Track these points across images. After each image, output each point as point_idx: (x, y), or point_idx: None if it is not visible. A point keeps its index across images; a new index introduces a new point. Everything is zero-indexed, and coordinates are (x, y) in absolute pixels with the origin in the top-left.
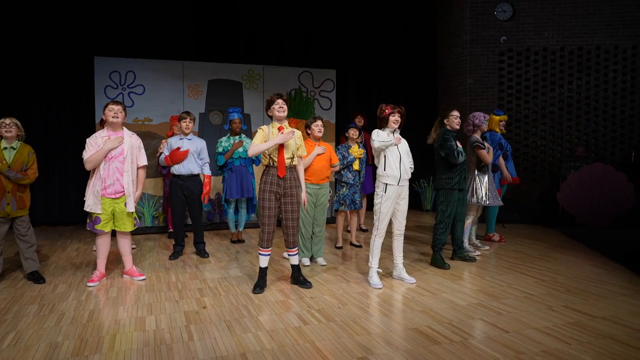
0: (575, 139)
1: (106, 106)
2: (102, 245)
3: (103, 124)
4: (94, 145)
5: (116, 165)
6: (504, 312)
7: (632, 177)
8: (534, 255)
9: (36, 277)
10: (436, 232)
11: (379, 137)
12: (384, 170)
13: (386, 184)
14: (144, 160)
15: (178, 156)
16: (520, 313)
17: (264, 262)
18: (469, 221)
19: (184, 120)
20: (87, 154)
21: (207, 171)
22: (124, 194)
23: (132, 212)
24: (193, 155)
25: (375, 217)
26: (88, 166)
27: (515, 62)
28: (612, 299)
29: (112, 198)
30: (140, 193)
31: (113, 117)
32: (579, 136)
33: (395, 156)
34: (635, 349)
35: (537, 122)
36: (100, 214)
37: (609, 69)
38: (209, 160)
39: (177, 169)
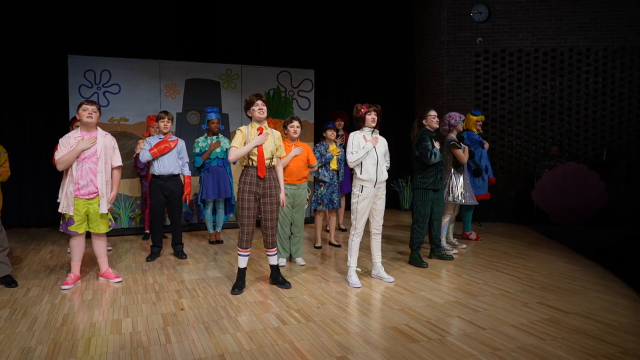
0: (550, 138)
1: (80, 106)
2: (77, 247)
3: (74, 123)
4: (67, 146)
5: (89, 165)
6: (480, 309)
7: (604, 176)
8: (510, 253)
9: (8, 281)
10: (413, 231)
11: (352, 147)
12: (361, 174)
13: (362, 185)
14: (118, 161)
15: (165, 146)
16: (497, 310)
17: (242, 262)
18: (446, 220)
19: (162, 120)
20: (59, 155)
21: (187, 171)
22: (98, 195)
23: (107, 214)
24: (174, 155)
25: (352, 217)
26: (60, 167)
27: (491, 63)
28: (585, 295)
29: (86, 199)
30: (116, 194)
31: (87, 117)
32: (553, 136)
33: (372, 160)
34: (607, 343)
35: (512, 122)
36: (73, 215)
37: (582, 70)
38: (188, 160)
39: (157, 169)
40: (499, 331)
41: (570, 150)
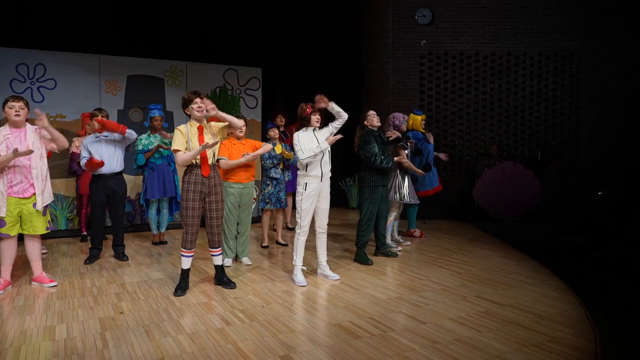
0: (490, 138)
1: (5, 103)
2: (7, 251)
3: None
4: None
5: (23, 163)
6: (422, 304)
7: (539, 175)
8: (452, 249)
9: None
10: (359, 229)
11: (301, 144)
12: (306, 171)
13: (306, 182)
14: (62, 142)
15: (94, 166)
16: (437, 304)
17: (186, 263)
18: (391, 218)
19: (96, 118)
20: None
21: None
22: (35, 194)
23: (46, 214)
24: (114, 152)
25: (297, 215)
26: None
27: (435, 65)
28: (520, 287)
29: (20, 197)
30: (55, 133)
31: (15, 115)
32: (492, 136)
33: (319, 157)
34: (538, 333)
35: (455, 122)
36: (4, 216)
37: (519, 73)
38: (135, 135)
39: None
40: (438, 325)
41: (508, 150)
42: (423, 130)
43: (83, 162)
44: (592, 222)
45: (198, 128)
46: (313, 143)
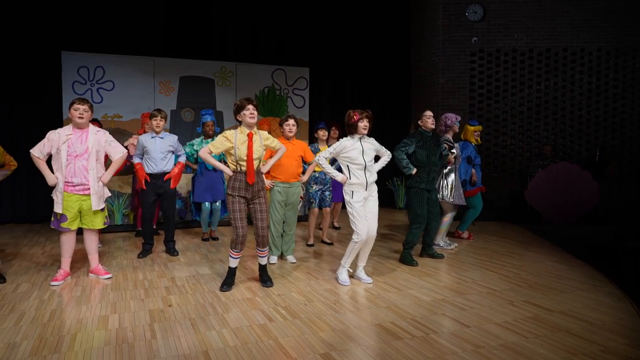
0: (543, 138)
1: (71, 105)
2: (67, 244)
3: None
4: (51, 142)
5: (82, 163)
6: (466, 307)
7: (597, 176)
8: (500, 251)
9: None
10: (410, 231)
11: (333, 149)
12: (349, 179)
13: (352, 191)
14: (119, 152)
15: (139, 176)
16: (482, 308)
17: (233, 263)
18: (446, 219)
19: (154, 119)
20: (37, 150)
21: (182, 159)
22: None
23: (104, 210)
24: (165, 154)
25: (351, 223)
26: (34, 161)
27: (486, 63)
28: (571, 293)
29: (80, 194)
30: (109, 177)
31: (79, 117)
32: (546, 135)
33: (359, 165)
34: (588, 341)
35: (507, 121)
36: (65, 211)
37: (576, 70)
38: (183, 152)
39: (148, 168)
40: (483, 329)
41: (564, 150)
42: (476, 141)
43: (135, 160)
44: None
45: (248, 135)
46: (357, 151)
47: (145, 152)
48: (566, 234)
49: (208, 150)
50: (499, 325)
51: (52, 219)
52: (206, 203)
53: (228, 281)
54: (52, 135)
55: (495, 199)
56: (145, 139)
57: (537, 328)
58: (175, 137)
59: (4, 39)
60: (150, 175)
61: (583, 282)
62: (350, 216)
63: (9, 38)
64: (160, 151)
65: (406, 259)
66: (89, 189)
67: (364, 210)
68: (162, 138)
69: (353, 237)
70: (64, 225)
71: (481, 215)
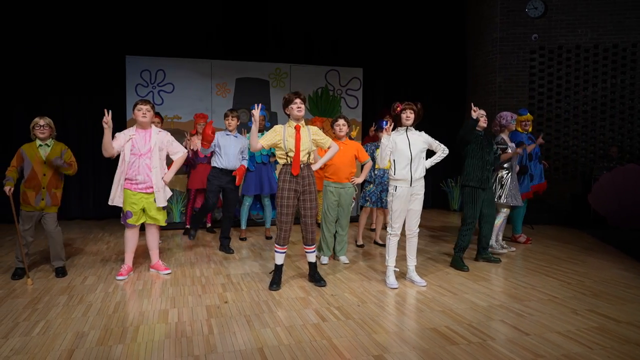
0: (609, 139)
1: (135, 105)
2: (131, 240)
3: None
4: (118, 139)
5: (145, 161)
6: (525, 314)
7: None
8: (562, 257)
9: (59, 272)
10: (460, 234)
11: (383, 151)
12: (394, 174)
13: (396, 185)
14: (180, 151)
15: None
16: (543, 316)
17: (279, 259)
18: (499, 220)
19: (226, 118)
20: (112, 142)
21: (244, 163)
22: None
23: (164, 207)
24: (239, 151)
25: (388, 216)
26: (104, 152)
27: (547, 60)
28: None
29: (144, 193)
30: (171, 176)
31: (142, 116)
32: (612, 136)
33: (405, 159)
34: None
35: (569, 121)
36: (130, 208)
37: None
38: (247, 157)
39: (221, 163)
40: (543, 338)
41: (632, 152)
42: (525, 131)
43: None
44: None
45: (295, 127)
46: (403, 142)
47: (220, 149)
48: (634, 240)
49: (260, 145)
50: (561, 334)
51: (122, 214)
52: (248, 198)
53: (276, 280)
54: (119, 134)
55: (555, 203)
56: (220, 135)
57: (603, 339)
58: (246, 142)
59: (73, 45)
60: (220, 170)
61: None
62: (389, 210)
63: (77, 44)
64: (234, 148)
65: (457, 264)
66: (151, 187)
67: (404, 206)
68: (236, 137)
69: (387, 229)
70: (129, 221)
71: (540, 219)
